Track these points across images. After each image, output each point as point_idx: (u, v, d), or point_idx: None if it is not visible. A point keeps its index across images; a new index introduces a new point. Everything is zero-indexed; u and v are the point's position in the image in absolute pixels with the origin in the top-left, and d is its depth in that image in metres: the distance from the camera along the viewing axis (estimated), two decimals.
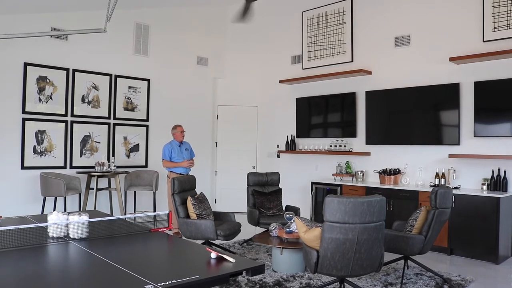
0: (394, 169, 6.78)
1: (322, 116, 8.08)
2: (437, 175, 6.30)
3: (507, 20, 5.74)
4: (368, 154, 7.27)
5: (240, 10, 4.68)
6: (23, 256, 2.68)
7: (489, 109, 5.93)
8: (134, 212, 7.65)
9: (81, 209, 6.94)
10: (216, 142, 9.26)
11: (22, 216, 4.15)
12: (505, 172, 5.76)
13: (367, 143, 7.30)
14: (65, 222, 3.17)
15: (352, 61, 7.55)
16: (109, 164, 7.23)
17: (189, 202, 5.34)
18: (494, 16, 5.86)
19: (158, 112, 8.29)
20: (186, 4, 8.55)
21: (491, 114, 5.94)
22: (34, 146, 6.80)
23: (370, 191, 6.60)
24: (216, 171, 9.23)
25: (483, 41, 5.98)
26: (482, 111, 5.96)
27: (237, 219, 5.77)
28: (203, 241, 5.21)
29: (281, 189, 6.64)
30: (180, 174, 6.48)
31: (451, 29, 6.34)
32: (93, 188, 6.98)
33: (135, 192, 7.74)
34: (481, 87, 5.95)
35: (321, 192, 7.35)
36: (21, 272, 2.42)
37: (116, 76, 7.73)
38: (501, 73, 5.82)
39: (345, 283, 3.90)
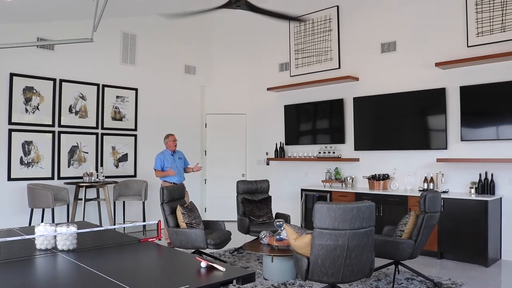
0: (383, 174, 6.82)
1: (310, 123, 8.11)
2: (425, 179, 6.34)
3: (490, 26, 5.84)
4: (357, 160, 7.30)
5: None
6: (10, 269, 2.64)
7: (475, 113, 6.00)
8: (123, 222, 7.58)
9: (69, 220, 6.86)
10: (205, 151, 9.24)
11: (9, 228, 4.09)
12: (492, 175, 5.82)
13: (355, 149, 7.34)
14: (53, 233, 3.13)
15: (339, 67, 7.61)
16: (97, 174, 7.16)
17: (179, 211, 5.31)
18: (477, 21, 5.95)
19: (147, 122, 8.25)
20: (173, 12, 8.52)
21: (477, 118, 6.01)
22: (21, 157, 6.72)
23: (359, 197, 6.62)
24: (205, 180, 9.20)
25: (468, 46, 6.06)
26: (468, 115, 6.03)
27: (227, 228, 5.74)
28: (193, 250, 5.17)
29: (270, 196, 6.63)
30: (174, 183, 6.41)
31: (436, 35, 6.43)
32: (81, 199, 6.91)
33: (124, 202, 7.67)
34: (466, 92, 6.03)
35: (310, 198, 7.36)
36: (8, 286, 2.38)
37: (104, 86, 7.69)
38: (485, 78, 5.91)
39: None
